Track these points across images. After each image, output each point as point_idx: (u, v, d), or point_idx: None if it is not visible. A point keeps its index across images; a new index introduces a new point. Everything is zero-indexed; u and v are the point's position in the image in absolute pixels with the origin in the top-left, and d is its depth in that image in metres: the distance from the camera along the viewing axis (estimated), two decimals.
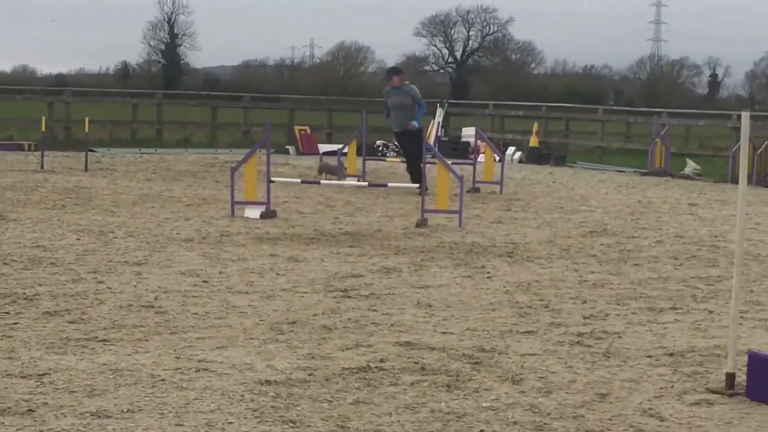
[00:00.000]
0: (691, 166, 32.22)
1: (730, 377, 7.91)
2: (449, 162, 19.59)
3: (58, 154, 31.04)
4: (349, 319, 10.04)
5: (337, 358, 8.51)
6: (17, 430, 6.53)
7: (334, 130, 40.74)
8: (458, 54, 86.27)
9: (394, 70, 24.79)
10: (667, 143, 32.63)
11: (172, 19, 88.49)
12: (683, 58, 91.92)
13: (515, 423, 6.95)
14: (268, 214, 17.84)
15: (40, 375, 7.76)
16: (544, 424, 6.96)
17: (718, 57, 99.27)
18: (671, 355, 9.00)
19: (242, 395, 7.40)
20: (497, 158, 26.01)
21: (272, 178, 18.73)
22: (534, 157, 36.08)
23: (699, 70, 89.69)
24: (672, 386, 8.01)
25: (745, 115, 8.33)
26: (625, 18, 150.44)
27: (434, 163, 18.96)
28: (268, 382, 7.76)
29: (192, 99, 48.33)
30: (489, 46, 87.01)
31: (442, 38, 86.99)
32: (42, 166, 26.65)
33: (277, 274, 12.44)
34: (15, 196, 20.02)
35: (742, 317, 10.22)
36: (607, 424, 6.99)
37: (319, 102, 48.20)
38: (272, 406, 7.16)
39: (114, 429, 6.59)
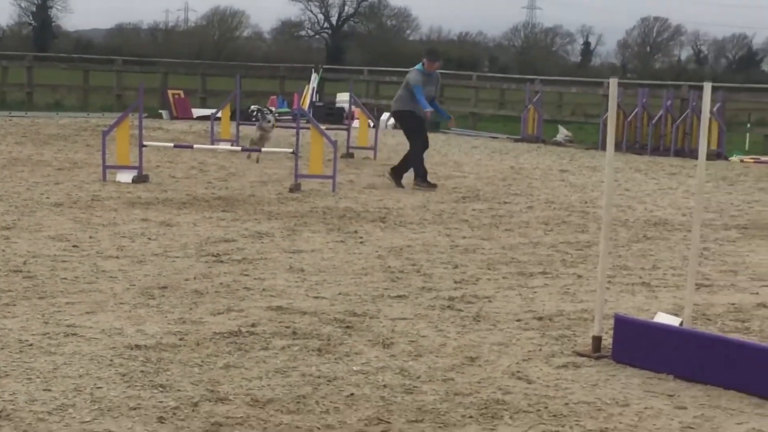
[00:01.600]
0: (563, 132, 32.54)
1: (597, 340, 8.05)
2: (323, 127, 19.58)
3: None
4: (220, 283, 10.02)
5: (208, 323, 8.50)
6: None
7: (209, 94, 40.41)
8: (334, 20, 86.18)
9: (437, 54, 20.55)
10: (539, 110, 32.92)
11: None
12: (557, 26, 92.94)
13: (385, 386, 7.01)
14: (140, 179, 17.69)
15: None
16: (414, 387, 7.03)
17: (591, 25, 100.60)
18: (540, 318, 9.13)
19: (111, 360, 7.37)
20: (371, 124, 26.08)
21: (144, 143, 18.53)
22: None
23: (572, 38, 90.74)
24: (540, 349, 8.13)
25: (613, 82, 8.48)
26: None
27: (308, 128, 18.94)
28: (137, 346, 7.73)
29: (63, 62, 47.47)
30: (365, 12, 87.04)
31: (317, 3, 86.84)
32: None
33: (149, 238, 12.35)
34: None
35: (609, 281, 10.40)
36: (476, 387, 7.08)
37: (193, 66, 47.68)
38: (141, 371, 7.14)
39: None
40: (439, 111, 20.54)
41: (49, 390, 6.67)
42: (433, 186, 18.67)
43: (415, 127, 19.37)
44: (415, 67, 19.23)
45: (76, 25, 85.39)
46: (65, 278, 10.01)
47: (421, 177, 18.82)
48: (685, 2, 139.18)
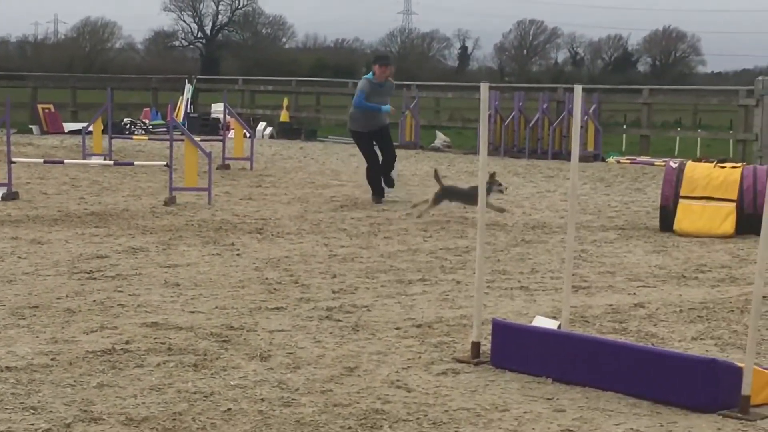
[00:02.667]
0: (440, 138, 32.75)
1: (476, 346, 8.10)
2: (198, 139, 19.52)
3: None
4: (94, 301, 9.91)
5: (81, 342, 8.40)
6: None
7: (80, 108, 40.01)
8: (208, 29, 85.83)
9: (388, 60, 19.54)
10: (416, 116, 33.13)
11: None
12: (433, 30, 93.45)
13: (263, 400, 6.99)
14: (10, 196, 17.39)
15: None
16: (292, 399, 7.02)
17: (467, 29, 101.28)
18: (419, 326, 9.16)
19: None
20: (247, 134, 26.00)
21: (13, 159, 18.29)
22: (285, 132, 36.14)
23: (449, 42, 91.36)
24: (419, 357, 8.16)
25: (484, 87, 8.55)
26: None
27: (182, 140, 18.82)
28: (8, 368, 7.61)
29: None
30: (239, 21, 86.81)
31: (190, 13, 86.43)
32: None
33: (19, 257, 12.18)
34: None
35: (488, 287, 10.49)
36: (355, 397, 7.09)
37: (63, 79, 47.18)
38: (12, 393, 7.03)
39: None
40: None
41: None
42: (380, 200, 18.21)
43: (361, 145, 18.57)
44: (365, 76, 18.44)
45: None
46: None
47: (376, 193, 18.29)
48: (560, 5, 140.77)
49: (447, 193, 16.20)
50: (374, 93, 17.69)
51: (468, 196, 15.66)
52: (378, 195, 18.23)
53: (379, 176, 18.32)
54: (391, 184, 18.60)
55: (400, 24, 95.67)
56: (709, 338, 8.88)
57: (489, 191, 14.45)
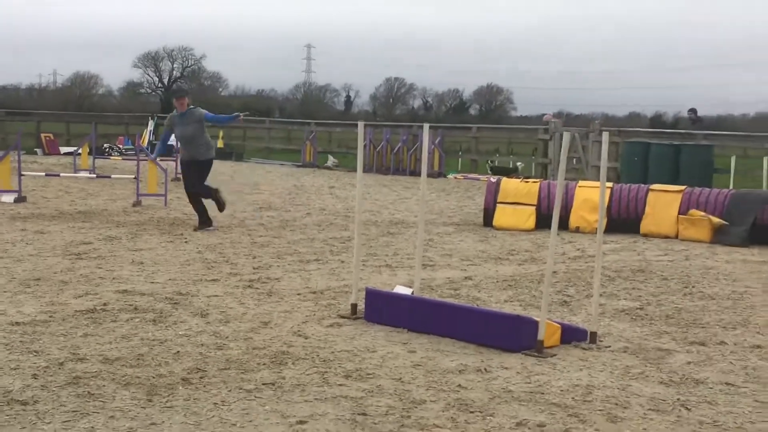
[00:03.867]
0: (331, 160, 32.78)
1: (354, 307, 8.14)
2: (159, 159, 19.27)
3: None
4: (81, 275, 9.78)
5: (71, 304, 8.29)
6: None
7: (72, 137, 39.30)
8: (165, 80, 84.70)
9: (181, 92, 15.64)
10: (314, 144, 33.10)
11: None
12: (327, 84, 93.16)
13: (202, 345, 6.95)
14: (20, 199, 17.12)
15: None
16: (224, 344, 6.99)
17: (351, 83, 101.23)
18: (314, 292, 9.17)
19: None
20: None
21: (23, 172, 17.96)
22: (221, 155, 35.80)
23: (338, 92, 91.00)
24: (314, 314, 8.17)
25: (361, 124, 8.57)
26: (287, 53, 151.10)
27: (146, 160, 18.58)
28: (17, 323, 7.50)
29: None
30: (188, 75, 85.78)
31: (153, 69, 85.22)
32: None
33: (26, 243, 11.96)
34: None
35: (363, 264, 10.53)
36: (268, 343, 7.08)
37: (60, 116, 46.29)
38: (20, 341, 6.93)
39: None
40: (161, 148, 15.73)
41: None
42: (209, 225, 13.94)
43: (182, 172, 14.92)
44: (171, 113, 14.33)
45: None
46: None
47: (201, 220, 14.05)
48: (417, 67, 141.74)
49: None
50: (177, 123, 13.67)
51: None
52: (203, 222, 13.94)
53: (200, 203, 13.94)
54: (220, 208, 14.38)
55: (304, 79, 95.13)
56: (516, 301, 9.01)
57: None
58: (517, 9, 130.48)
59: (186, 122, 13.68)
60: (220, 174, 26.97)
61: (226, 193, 14.84)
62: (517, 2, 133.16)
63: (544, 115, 39.97)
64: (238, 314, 8.06)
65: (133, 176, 18.36)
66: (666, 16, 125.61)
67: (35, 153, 35.07)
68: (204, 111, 13.98)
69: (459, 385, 6.10)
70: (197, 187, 13.89)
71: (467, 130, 35.80)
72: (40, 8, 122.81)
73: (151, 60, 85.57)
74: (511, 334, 7.08)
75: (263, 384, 6.01)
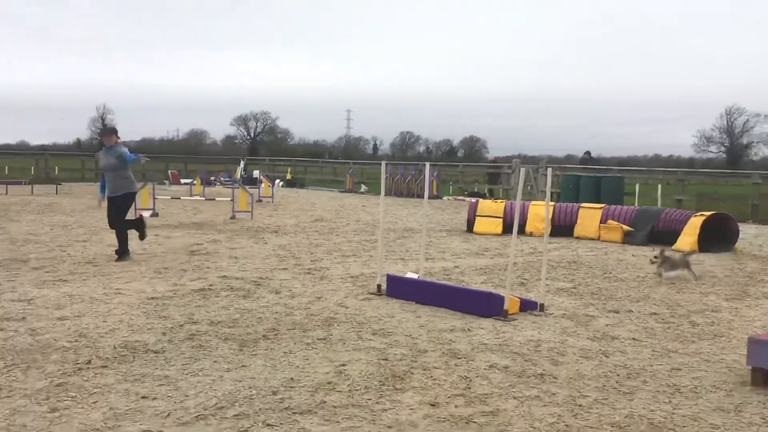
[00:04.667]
0: (363, 188, 32.69)
1: (378, 287, 8.12)
2: (247, 187, 19.35)
3: (41, 186, 28.95)
4: (195, 265, 9.80)
5: (188, 285, 8.31)
6: (15, 329, 6.12)
7: (189, 172, 39.36)
8: (252, 134, 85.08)
9: (108, 130, 10.87)
10: (352, 177, 33.06)
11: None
12: (360, 136, 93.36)
13: (276, 312, 6.95)
14: (154, 214, 17.18)
15: (29, 299, 7.30)
16: (290, 312, 6.98)
17: (377, 135, 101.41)
18: (352, 277, 9.16)
19: (138, 305, 7.15)
20: (270, 185, 25.82)
21: (156, 196, 18.05)
22: (289, 184, 35.91)
23: (368, 141, 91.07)
24: (352, 292, 8.16)
25: (383, 163, 8.59)
26: (333, 114, 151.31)
27: (239, 187, 18.64)
28: (153, 298, 7.53)
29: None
30: (267, 130, 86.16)
31: (243, 126, 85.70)
32: (32, 192, 24.90)
33: (158, 244, 12.01)
34: (17, 207, 18.64)
35: (385, 258, 10.51)
36: (321, 311, 7.08)
37: (181, 158, 46.61)
38: (154, 310, 6.96)
39: (67, 326, 6.26)
40: (104, 185, 11.28)
41: (105, 321, 6.45)
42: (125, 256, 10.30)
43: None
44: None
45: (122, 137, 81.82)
46: (115, 265, 9.69)
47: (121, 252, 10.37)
48: (424, 126, 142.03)
49: None
50: (102, 156, 10.47)
51: None
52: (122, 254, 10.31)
53: (122, 234, 10.43)
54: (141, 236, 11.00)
55: (345, 132, 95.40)
56: (490, 283, 8.98)
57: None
58: (492, 80, 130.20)
59: (109, 156, 10.42)
60: (289, 197, 27.10)
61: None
62: (492, 76, 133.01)
63: (495, 156, 40.26)
64: (300, 292, 8.07)
65: (230, 198, 18.42)
66: (591, 92, 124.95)
67: (164, 183, 35.19)
68: (125, 150, 10.48)
69: (450, 340, 6.09)
70: (116, 222, 10.44)
71: (455, 167, 35.78)
72: (167, 81, 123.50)
73: (242, 120, 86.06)
74: (485, 305, 7.06)
75: (317, 339, 6.01)
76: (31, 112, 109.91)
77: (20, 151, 50.95)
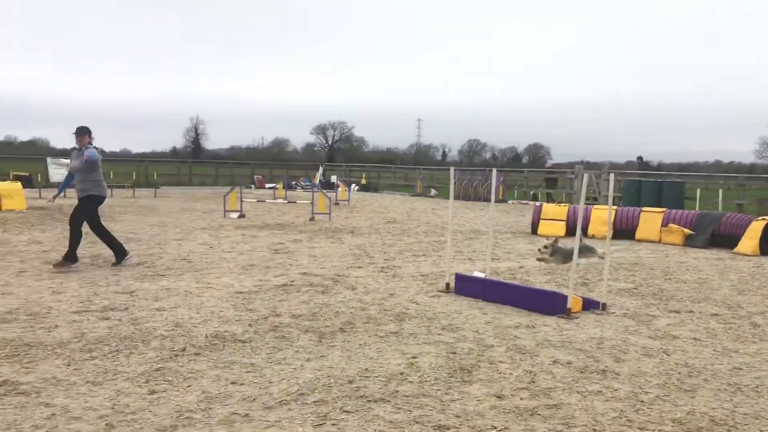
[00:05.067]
0: (433, 192, 32.59)
1: (447, 285, 8.08)
2: (325, 191, 19.57)
3: (142, 190, 29.99)
4: (278, 263, 9.96)
5: (272, 281, 8.44)
6: (119, 318, 6.36)
7: (273, 177, 40.14)
8: (330, 142, 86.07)
9: (80, 130, 9.22)
10: (422, 181, 33.03)
11: None
12: (430, 143, 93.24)
13: (352, 307, 6.98)
14: (241, 216, 17.53)
15: (132, 291, 7.57)
16: (365, 307, 6.99)
17: (445, 142, 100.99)
18: (422, 275, 9.13)
19: (227, 299, 7.31)
20: (347, 189, 26.05)
21: (243, 199, 18.43)
22: (364, 188, 36.15)
23: (437, 148, 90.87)
24: (423, 289, 8.14)
25: (452, 169, 8.52)
26: (405, 123, 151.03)
27: (318, 191, 18.87)
28: (240, 292, 7.68)
29: (211, 164, 46.91)
30: (344, 139, 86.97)
31: (322, 135, 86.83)
32: (133, 195, 25.84)
33: (245, 243, 12.25)
34: (121, 209, 19.37)
35: (453, 258, 10.45)
36: (393, 306, 7.08)
37: (266, 164, 47.49)
38: (241, 303, 7.09)
39: (165, 316, 6.45)
40: (64, 185, 9.72)
41: (198, 312, 6.62)
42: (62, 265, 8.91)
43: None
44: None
45: (210, 145, 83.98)
46: (207, 261, 9.93)
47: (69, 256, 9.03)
48: (491, 133, 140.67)
49: None
50: (73, 157, 9.29)
51: None
52: (68, 259, 9.00)
53: (105, 235, 9.37)
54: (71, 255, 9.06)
55: (415, 140, 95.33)
56: (554, 283, 8.82)
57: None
58: (557, 89, 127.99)
59: (77, 157, 9.21)
60: (364, 200, 27.30)
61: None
62: (559, 87, 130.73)
63: (553, 162, 39.44)
64: (374, 288, 8.09)
65: (310, 201, 18.66)
66: (653, 99, 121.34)
67: (250, 187, 35.96)
68: (94, 152, 9.06)
69: (515, 336, 6.01)
70: (73, 222, 9.11)
71: (520, 173, 35.30)
72: (253, 94, 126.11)
73: (321, 129, 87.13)
74: (549, 304, 6.94)
75: (390, 333, 6.02)
76: (133, 124, 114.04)
77: (123, 158, 52.93)
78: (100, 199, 9.30)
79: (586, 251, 8.39)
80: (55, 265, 8.92)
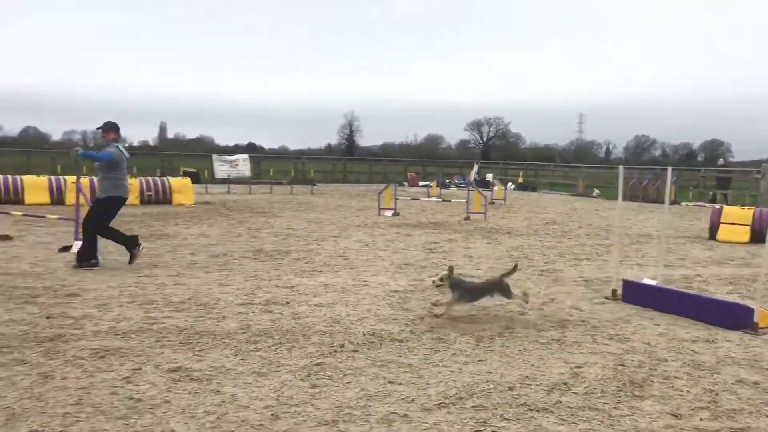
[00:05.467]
0: (596, 191, 31.50)
1: (614, 291, 7.80)
2: (480, 190, 19.50)
3: (299, 187, 31.43)
4: (432, 262, 10.06)
5: (426, 280, 8.52)
6: (281, 312, 6.70)
7: (426, 175, 40.55)
8: (484, 138, 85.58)
9: (106, 125, 8.94)
10: (584, 181, 32.00)
11: None
12: (593, 140, 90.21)
13: (511, 311, 6.88)
14: (395, 214, 17.87)
15: (292, 287, 7.96)
16: (525, 312, 6.90)
17: (610, 139, 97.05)
18: (586, 280, 8.88)
19: (383, 297, 7.49)
20: (503, 188, 25.80)
21: (397, 197, 18.79)
22: (520, 187, 35.61)
23: (600, 145, 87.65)
24: (586, 295, 7.91)
25: (621, 168, 8.20)
26: (565, 119, 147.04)
27: (473, 190, 18.84)
28: (395, 291, 7.84)
29: (364, 162, 48.31)
30: (499, 135, 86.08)
31: (477, 131, 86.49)
32: (291, 192, 27.13)
33: (399, 242, 12.48)
34: (279, 205, 20.41)
35: (620, 263, 10.05)
36: (555, 312, 6.94)
37: (419, 162, 48.04)
38: (397, 302, 7.24)
39: (323, 312, 6.72)
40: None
41: (355, 310, 6.84)
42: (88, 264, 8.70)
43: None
44: None
45: (363, 142, 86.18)
46: (363, 259, 10.22)
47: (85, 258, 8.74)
48: (657, 127, 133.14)
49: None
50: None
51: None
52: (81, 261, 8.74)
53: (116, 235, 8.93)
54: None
55: (577, 136, 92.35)
56: (737, 294, 8.24)
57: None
58: (738, 81, 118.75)
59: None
60: (521, 200, 26.89)
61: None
62: (737, 77, 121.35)
63: (726, 160, 36.33)
64: (534, 292, 7.95)
65: (464, 200, 18.69)
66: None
67: (403, 185, 36.58)
68: (110, 150, 8.77)
69: (693, 351, 5.68)
70: (91, 225, 8.74)
71: (697, 172, 33.22)
72: (406, 90, 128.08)
73: (475, 125, 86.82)
74: (733, 317, 6.49)
75: (552, 340, 5.91)
76: (289, 121, 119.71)
77: (281, 155, 55.78)
78: (121, 201, 8.91)
79: (496, 290, 6.70)
80: (74, 267, 8.69)
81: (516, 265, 7.30)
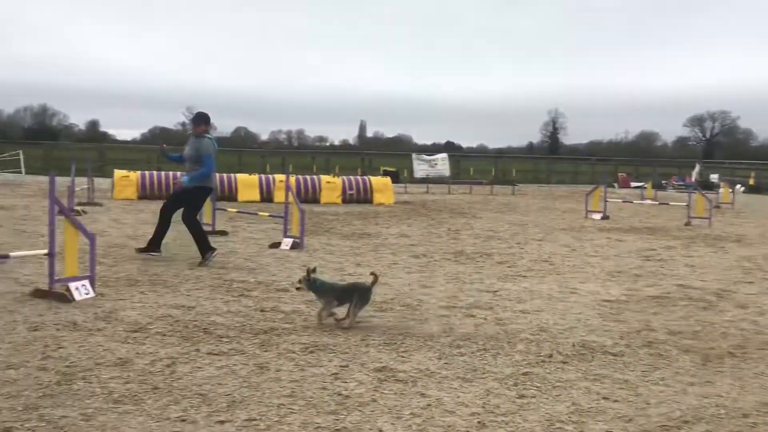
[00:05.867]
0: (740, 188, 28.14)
1: None
2: (704, 192, 18.19)
3: (499, 187, 31.25)
4: (648, 271, 9.58)
5: (643, 291, 8.15)
6: (484, 317, 6.68)
7: (639, 175, 38.70)
8: (707, 135, 79.74)
9: (197, 117, 9.35)
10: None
11: None
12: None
13: (743, 329, 6.38)
14: (605, 217, 17.23)
15: (495, 291, 7.94)
16: (761, 330, 6.35)
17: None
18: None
19: (594, 306, 7.25)
20: (731, 190, 23.91)
21: (607, 199, 18.08)
22: (752, 190, 32.77)
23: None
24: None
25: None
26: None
27: (694, 192, 17.64)
28: (607, 300, 7.56)
29: (570, 161, 47.05)
30: (725, 131, 79.81)
31: (699, 127, 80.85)
32: (491, 192, 27.08)
33: (611, 247, 12.02)
34: (479, 206, 20.47)
35: None
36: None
37: (631, 160, 45.87)
38: (609, 313, 6.97)
39: (529, 319, 6.60)
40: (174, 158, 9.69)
41: (563, 318, 6.67)
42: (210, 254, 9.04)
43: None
44: None
45: (568, 140, 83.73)
46: (570, 265, 9.96)
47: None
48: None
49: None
50: (188, 145, 9.26)
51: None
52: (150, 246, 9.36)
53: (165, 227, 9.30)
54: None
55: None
56: None
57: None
58: None
59: (190, 146, 9.16)
60: (753, 204, 24.70)
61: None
62: None
63: None
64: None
65: (685, 204, 17.57)
66: None
67: (613, 186, 35.22)
68: (203, 143, 9.09)
69: None
70: (184, 217, 9.13)
71: None
72: (615, 83, 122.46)
73: (697, 120, 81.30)
74: None
75: None
76: (488, 118, 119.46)
77: (481, 154, 55.91)
78: (209, 191, 9.26)
79: (356, 294, 6.02)
80: (138, 250, 9.39)
81: (377, 277, 6.21)
